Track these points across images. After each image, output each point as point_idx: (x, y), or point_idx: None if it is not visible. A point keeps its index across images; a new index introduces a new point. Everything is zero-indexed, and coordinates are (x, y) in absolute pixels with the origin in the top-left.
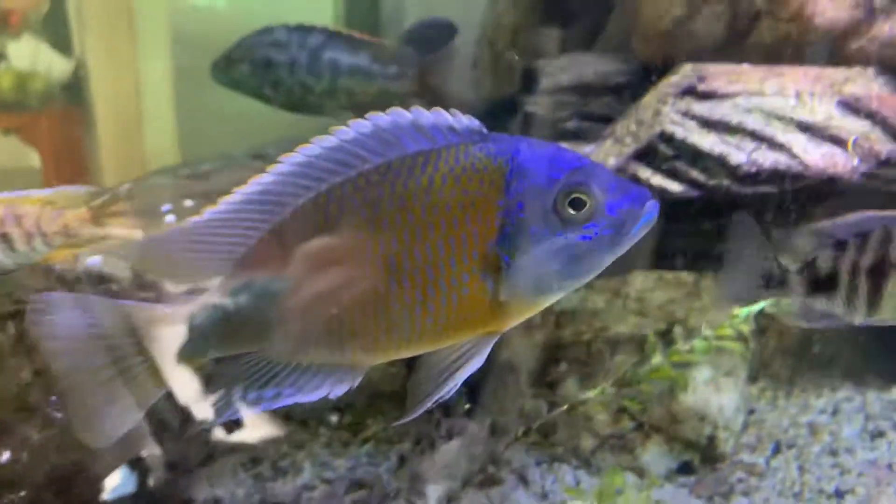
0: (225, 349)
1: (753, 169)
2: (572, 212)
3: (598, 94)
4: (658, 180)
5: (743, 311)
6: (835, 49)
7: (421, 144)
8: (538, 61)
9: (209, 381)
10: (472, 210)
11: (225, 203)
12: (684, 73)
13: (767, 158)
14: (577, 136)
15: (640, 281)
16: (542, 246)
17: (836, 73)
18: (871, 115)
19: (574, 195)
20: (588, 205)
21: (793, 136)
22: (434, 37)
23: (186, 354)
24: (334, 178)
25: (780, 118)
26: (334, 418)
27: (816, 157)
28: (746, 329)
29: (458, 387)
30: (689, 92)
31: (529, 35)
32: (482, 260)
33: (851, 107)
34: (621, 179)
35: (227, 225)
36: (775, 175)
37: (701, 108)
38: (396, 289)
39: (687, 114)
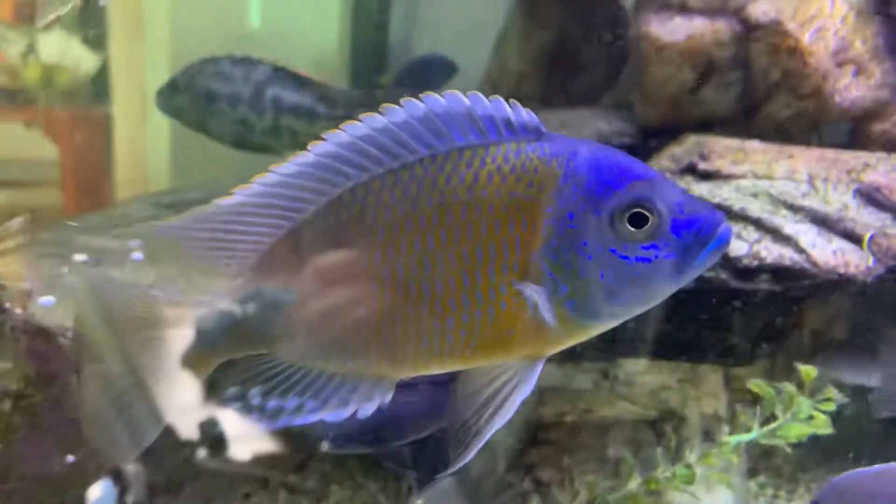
0: (240, 347)
1: (754, 263)
2: (631, 228)
3: None
4: None
5: (733, 439)
6: (856, 131)
7: (471, 137)
8: (537, 115)
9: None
10: (516, 214)
11: (260, 184)
12: (687, 146)
13: (771, 252)
14: None
15: (631, 362)
16: (593, 263)
17: (855, 158)
18: (891, 208)
19: (635, 210)
20: (650, 222)
21: (802, 228)
22: (432, 74)
23: (203, 349)
24: (376, 166)
25: (789, 206)
26: (294, 479)
27: (827, 253)
28: (736, 460)
29: (506, 421)
30: (690, 170)
31: (535, 83)
32: (523, 271)
33: (870, 197)
34: (692, 198)
35: (259, 210)
36: (779, 271)
37: (701, 188)
38: (428, 294)
39: None
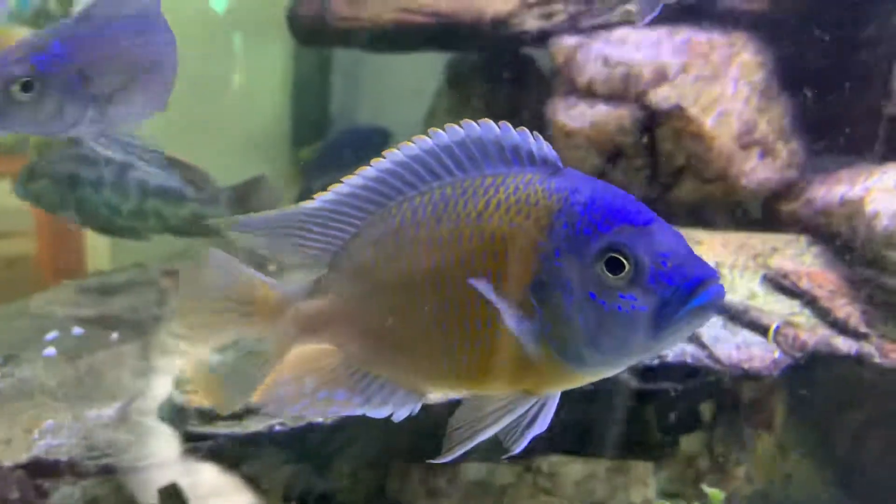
0: (312, 340)
1: (655, 362)
2: (609, 274)
3: None
4: None
5: None
6: (767, 211)
7: (498, 166)
8: None
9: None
10: (514, 245)
11: (335, 192)
12: None
13: (674, 349)
14: None
15: None
16: (574, 305)
17: (763, 243)
18: (799, 294)
19: (611, 255)
20: (626, 270)
21: None
22: (367, 143)
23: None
24: (420, 184)
25: None
26: None
27: (730, 348)
28: None
29: (486, 438)
30: None
31: None
32: (518, 303)
33: (778, 283)
34: (686, 251)
35: (332, 216)
36: (682, 369)
37: None
38: (440, 316)
39: None
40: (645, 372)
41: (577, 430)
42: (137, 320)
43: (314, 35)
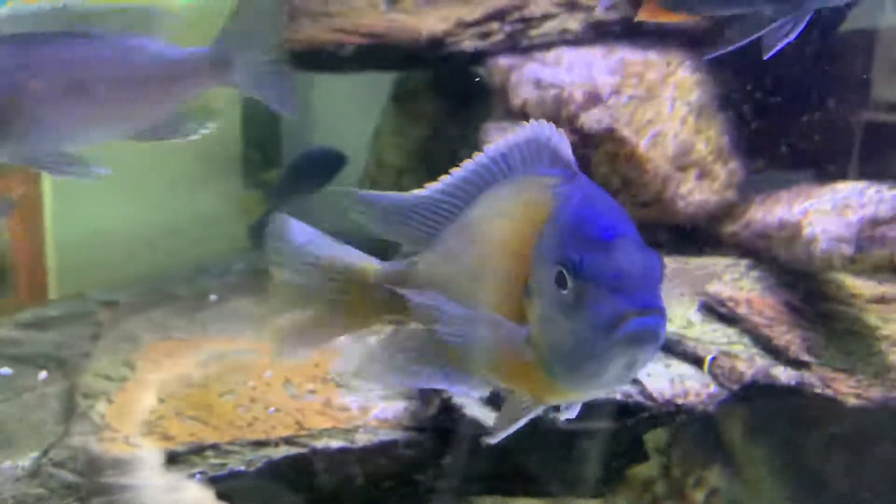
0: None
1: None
2: (559, 288)
3: None
4: (473, 409)
5: None
6: (706, 235)
7: (541, 168)
8: None
9: None
10: (519, 248)
11: (442, 182)
12: None
13: None
14: None
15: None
16: (541, 314)
17: (700, 269)
18: (738, 322)
19: (559, 269)
20: (569, 287)
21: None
22: (322, 166)
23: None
24: (492, 179)
25: None
26: None
27: (663, 383)
28: None
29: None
30: None
31: (416, 178)
32: (517, 307)
33: (715, 311)
34: (642, 276)
35: (435, 205)
36: (613, 408)
37: None
38: (482, 307)
39: None
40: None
41: (514, 470)
42: (67, 358)
43: None
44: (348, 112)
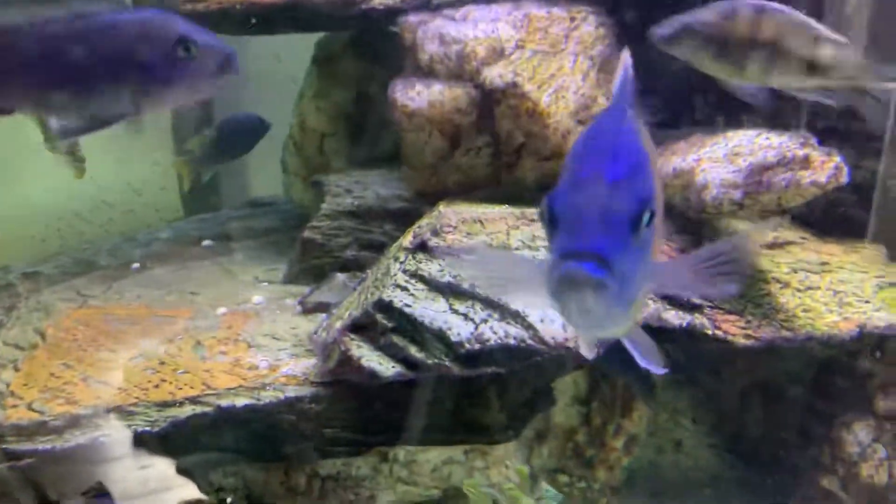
0: None
1: (476, 347)
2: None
3: (379, 220)
4: (370, 360)
5: None
6: None
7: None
8: (326, 177)
9: None
10: None
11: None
12: (431, 217)
13: (496, 332)
14: (358, 266)
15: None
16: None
17: None
18: None
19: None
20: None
21: (534, 301)
22: (245, 133)
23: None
24: None
25: None
26: None
27: (556, 328)
28: None
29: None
30: (422, 248)
31: (340, 143)
32: None
33: None
34: (588, 218)
35: None
36: (504, 352)
37: (432, 267)
38: None
39: (416, 275)
40: (466, 357)
41: (419, 419)
42: None
43: None
44: (280, 77)
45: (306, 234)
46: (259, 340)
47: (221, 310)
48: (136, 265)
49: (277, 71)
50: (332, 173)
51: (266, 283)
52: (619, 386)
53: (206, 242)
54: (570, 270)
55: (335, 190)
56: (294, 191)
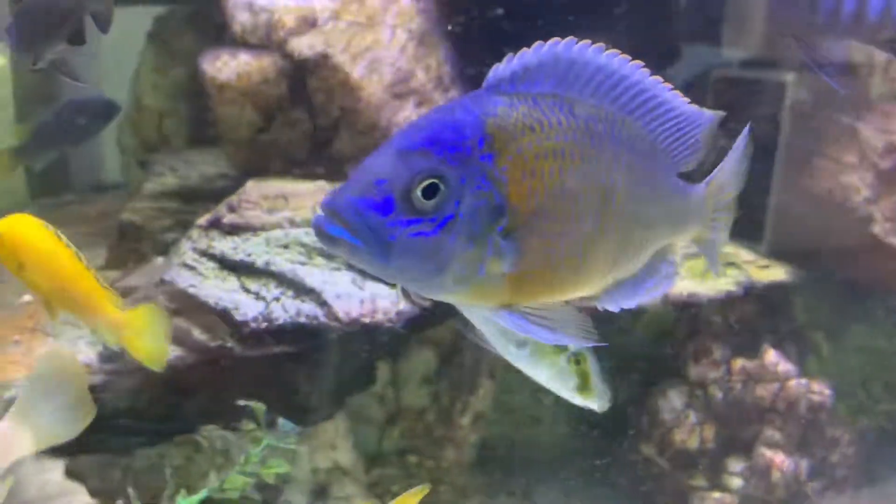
0: None
1: (263, 325)
2: None
3: (203, 200)
4: None
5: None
6: None
7: None
8: (152, 156)
9: None
10: None
11: None
12: (238, 194)
13: (288, 310)
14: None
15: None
16: None
17: None
18: None
19: None
20: None
21: (331, 277)
22: (91, 115)
23: None
24: None
25: (326, 253)
26: None
27: (352, 303)
28: None
29: None
30: (216, 224)
31: (179, 122)
32: None
33: None
34: (360, 180)
35: None
36: (296, 331)
37: (225, 244)
38: None
39: (206, 253)
40: (252, 337)
41: (226, 402)
42: None
43: None
44: (121, 55)
45: (124, 216)
46: (60, 329)
47: (27, 297)
48: None
49: (124, 47)
50: (166, 154)
51: None
52: (467, 364)
53: None
54: (314, 223)
55: (159, 169)
56: (132, 173)
